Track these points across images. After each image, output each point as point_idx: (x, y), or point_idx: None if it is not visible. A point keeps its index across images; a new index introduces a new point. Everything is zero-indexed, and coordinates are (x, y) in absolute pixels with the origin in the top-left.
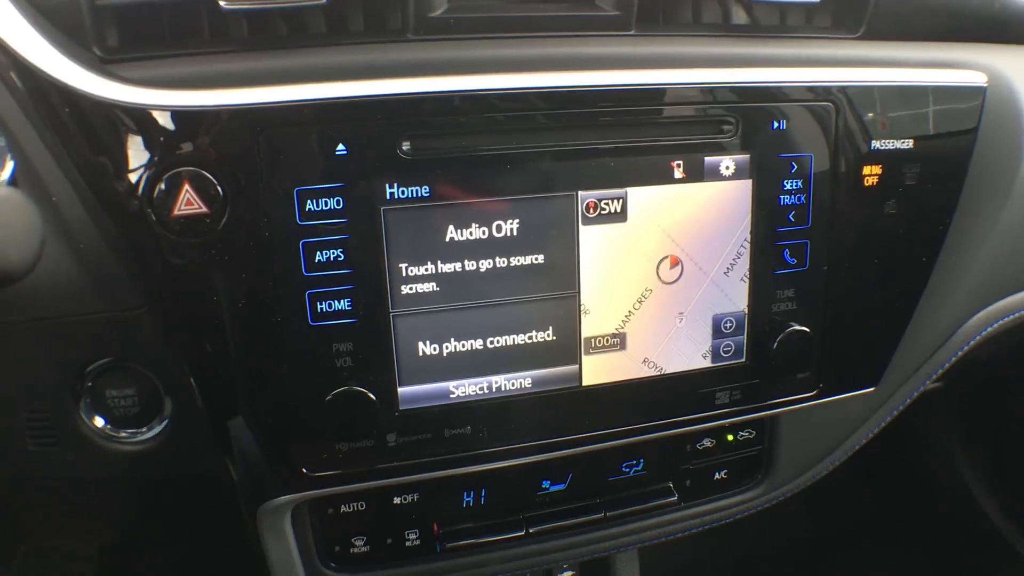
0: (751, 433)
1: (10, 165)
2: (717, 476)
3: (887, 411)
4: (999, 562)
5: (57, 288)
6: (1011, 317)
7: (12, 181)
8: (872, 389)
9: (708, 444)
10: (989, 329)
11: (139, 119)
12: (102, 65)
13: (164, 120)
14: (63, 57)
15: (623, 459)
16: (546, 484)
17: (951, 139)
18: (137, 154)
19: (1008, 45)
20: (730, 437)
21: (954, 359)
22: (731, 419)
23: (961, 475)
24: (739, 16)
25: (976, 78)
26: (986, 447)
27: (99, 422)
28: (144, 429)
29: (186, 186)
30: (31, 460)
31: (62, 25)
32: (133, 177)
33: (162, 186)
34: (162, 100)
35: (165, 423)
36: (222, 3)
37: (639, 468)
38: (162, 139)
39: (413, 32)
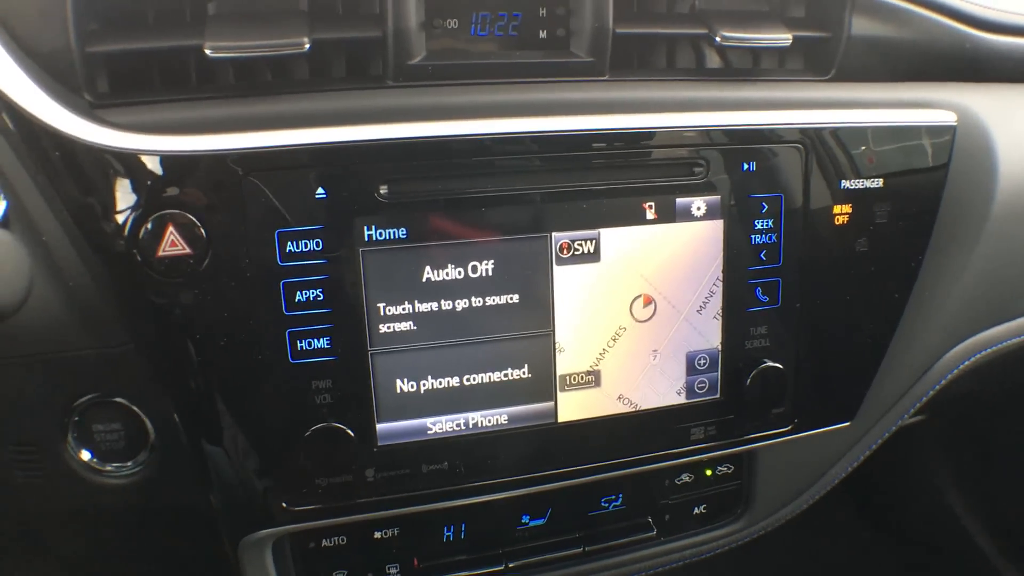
0: (729, 468)
1: (2, 205)
2: (696, 511)
3: (865, 445)
4: None
5: (46, 325)
6: (988, 351)
7: (3, 222)
8: (848, 424)
9: (687, 479)
10: (966, 363)
11: (127, 163)
12: (92, 110)
13: (151, 164)
14: (54, 103)
15: (602, 494)
16: (525, 519)
17: (921, 178)
18: (124, 197)
19: (978, 83)
20: (708, 472)
21: (932, 393)
22: (707, 454)
23: (951, 507)
24: (713, 60)
25: (946, 117)
26: (975, 478)
27: (85, 455)
28: (129, 463)
29: (170, 228)
30: (18, 492)
31: (54, 71)
32: (120, 219)
33: (147, 228)
34: (150, 145)
35: (150, 457)
36: (208, 51)
37: (618, 503)
38: (149, 182)
39: (393, 79)
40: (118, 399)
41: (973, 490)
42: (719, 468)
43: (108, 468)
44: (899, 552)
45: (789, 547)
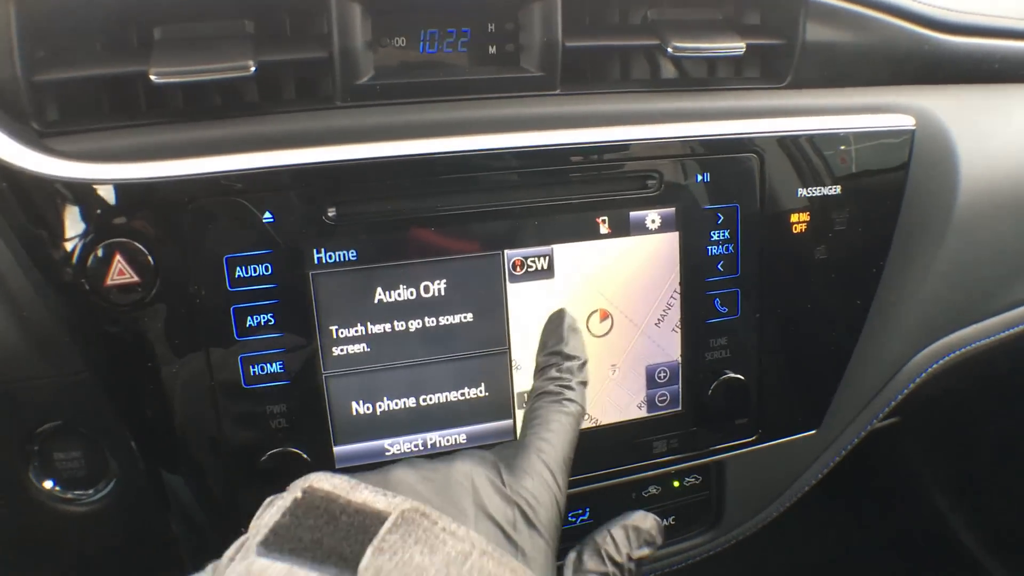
0: (697, 479)
1: None
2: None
3: (835, 451)
4: None
5: (2, 355)
6: (956, 353)
7: None
8: (814, 432)
9: (654, 491)
10: (936, 365)
11: (75, 193)
12: (40, 139)
13: (99, 193)
14: (0, 133)
15: (569, 509)
16: None
17: (880, 184)
18: (72, 226)
19: (937, 85)
20: (676, 483)
21: (900, 397)
22: (671, 467)
23: (938, 506)
24: (667, 71)
25: (904, 121)
26: (960, 477)
27: (48, 484)
28: (91, 491)
29: (117, 256)
30: None
31: (0, 100)
32: (68, 247)
33: (95, 256)
34: (97, 174)
35: (112, 484)
36: (153, 77)
37: (586, 517)
38: (97, 211)
39: (341, 99)
40: (79, 427)
41: (957, 489)
42: (687, 479)
43: (70, 496)
44: (887, 553)
45: (774, 552)
